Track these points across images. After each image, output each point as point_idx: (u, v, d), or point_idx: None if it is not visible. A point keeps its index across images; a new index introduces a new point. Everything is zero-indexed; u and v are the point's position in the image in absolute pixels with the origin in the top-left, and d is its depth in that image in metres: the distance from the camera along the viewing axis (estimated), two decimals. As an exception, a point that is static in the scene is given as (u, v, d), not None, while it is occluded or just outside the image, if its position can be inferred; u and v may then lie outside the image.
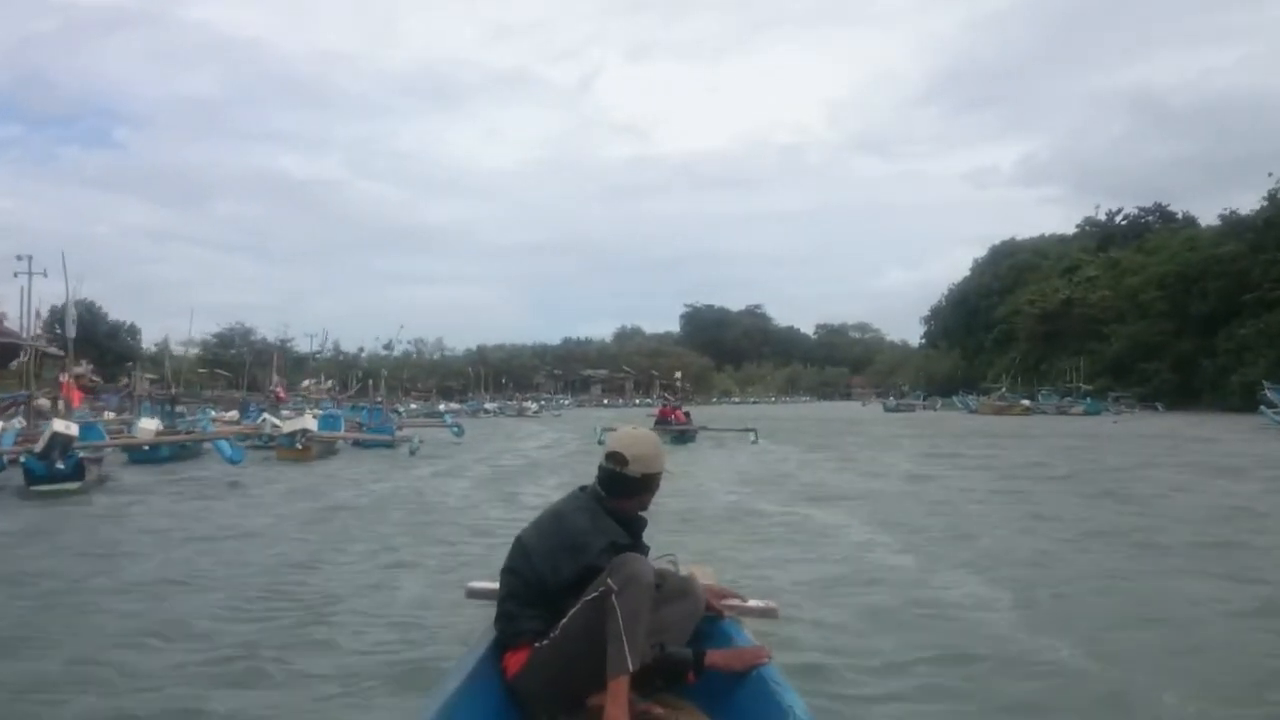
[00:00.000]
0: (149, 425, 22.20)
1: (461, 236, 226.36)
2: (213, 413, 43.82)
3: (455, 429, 30.99)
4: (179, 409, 26.51)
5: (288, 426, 22.45)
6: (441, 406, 78.34)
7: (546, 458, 23.99)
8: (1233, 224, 73.57)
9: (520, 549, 3.27)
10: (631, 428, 3.52)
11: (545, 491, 14.01)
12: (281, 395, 29.40)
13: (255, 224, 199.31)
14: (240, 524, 11.22)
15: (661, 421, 33.53)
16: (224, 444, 18.17)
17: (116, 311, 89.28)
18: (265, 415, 27.36)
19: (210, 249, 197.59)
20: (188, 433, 22.54)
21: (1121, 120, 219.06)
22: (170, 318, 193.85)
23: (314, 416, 25.07)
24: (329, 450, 24.16)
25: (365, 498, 14.15)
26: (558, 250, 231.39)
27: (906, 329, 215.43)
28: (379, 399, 31.43)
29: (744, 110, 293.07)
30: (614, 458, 3.25)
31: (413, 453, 23.51)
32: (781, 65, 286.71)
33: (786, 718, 2.72)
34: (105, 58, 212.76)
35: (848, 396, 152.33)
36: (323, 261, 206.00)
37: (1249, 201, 75.80)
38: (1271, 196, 68.76)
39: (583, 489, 3.36)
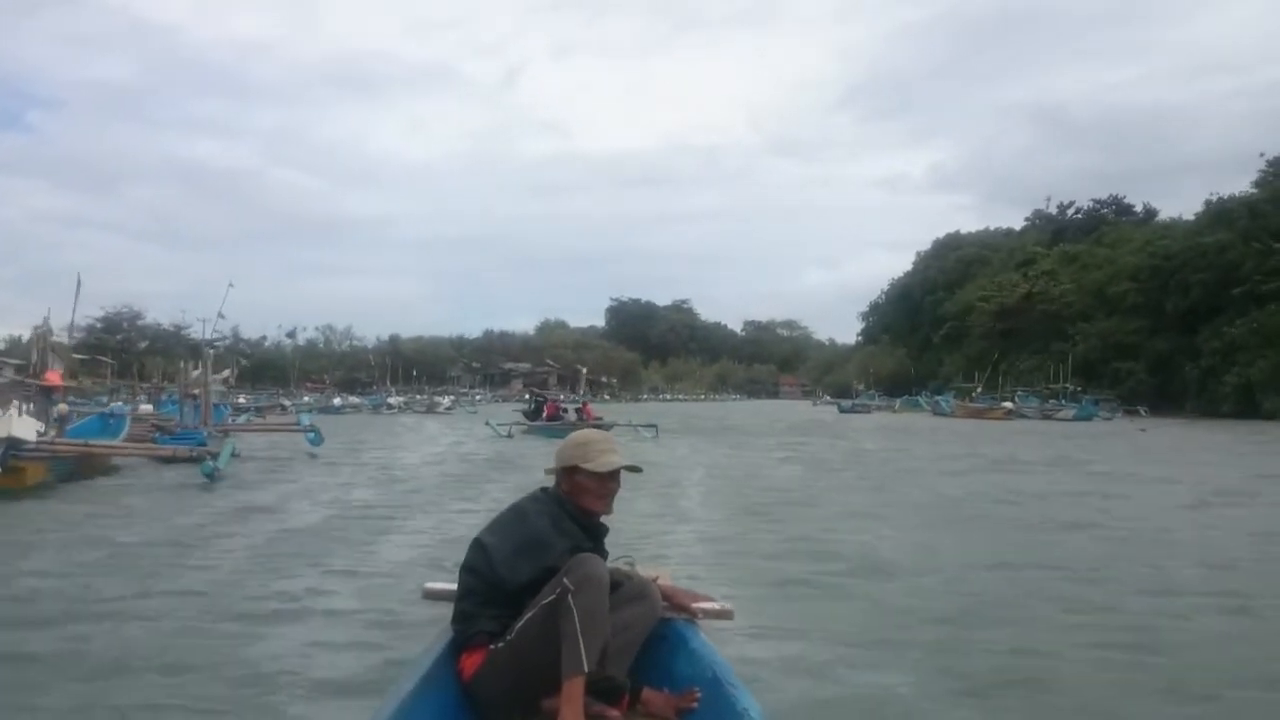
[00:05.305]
0: None
1: (381, 229, 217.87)
2: None
3: (311, 435, 22.31)
4: None
5: (-13, 436, 13.36)
6: (337, 400, 68.55)
7: (424, 482, 15.25)
8: (1215, 213, 67.43)
9: (479, 548, 3.05)
10: (591, 429, 3.54)
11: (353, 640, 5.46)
12: (56, 383, 19.58)
13: (168, 211, 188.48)
14: None
15: (551, 420, 29.35)
16: None
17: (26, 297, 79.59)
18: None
19: (122, 236, 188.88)
20: None
21: (1026, 131, 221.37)
22: (81, 305, 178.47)
23: (31, 418, 15.93)
24: (107, 468, 16.19)
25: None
26: (479, 245, 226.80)
27: (832, 327, 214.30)
28: (193, 390, 21.67)
29: (666, 111, 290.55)
30: (557, 457, 3.13)
31: (210, 475, 14.79)
32: (703, 68, 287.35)
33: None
34: (21, 39, 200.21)
35: (776, 395, 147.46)
36: (236, 250, 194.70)
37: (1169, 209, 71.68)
38: (1261, 182, 63.12)
39: (544, 490, 3.17)
